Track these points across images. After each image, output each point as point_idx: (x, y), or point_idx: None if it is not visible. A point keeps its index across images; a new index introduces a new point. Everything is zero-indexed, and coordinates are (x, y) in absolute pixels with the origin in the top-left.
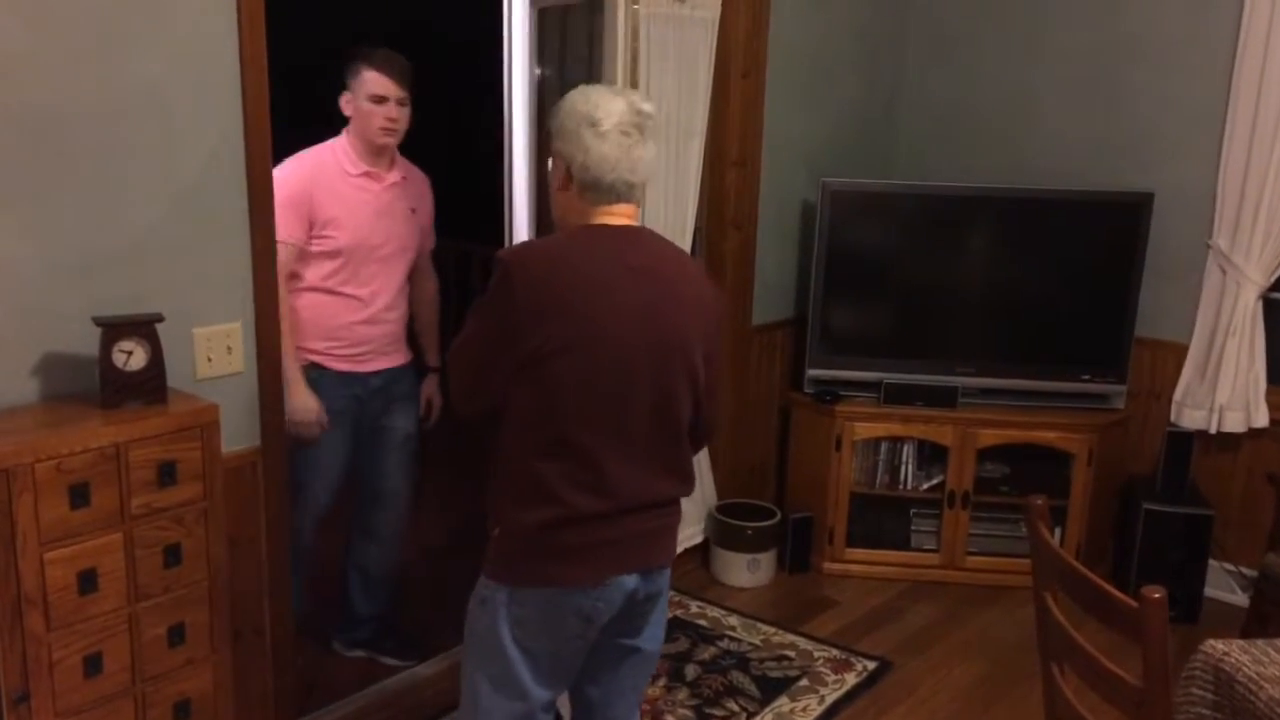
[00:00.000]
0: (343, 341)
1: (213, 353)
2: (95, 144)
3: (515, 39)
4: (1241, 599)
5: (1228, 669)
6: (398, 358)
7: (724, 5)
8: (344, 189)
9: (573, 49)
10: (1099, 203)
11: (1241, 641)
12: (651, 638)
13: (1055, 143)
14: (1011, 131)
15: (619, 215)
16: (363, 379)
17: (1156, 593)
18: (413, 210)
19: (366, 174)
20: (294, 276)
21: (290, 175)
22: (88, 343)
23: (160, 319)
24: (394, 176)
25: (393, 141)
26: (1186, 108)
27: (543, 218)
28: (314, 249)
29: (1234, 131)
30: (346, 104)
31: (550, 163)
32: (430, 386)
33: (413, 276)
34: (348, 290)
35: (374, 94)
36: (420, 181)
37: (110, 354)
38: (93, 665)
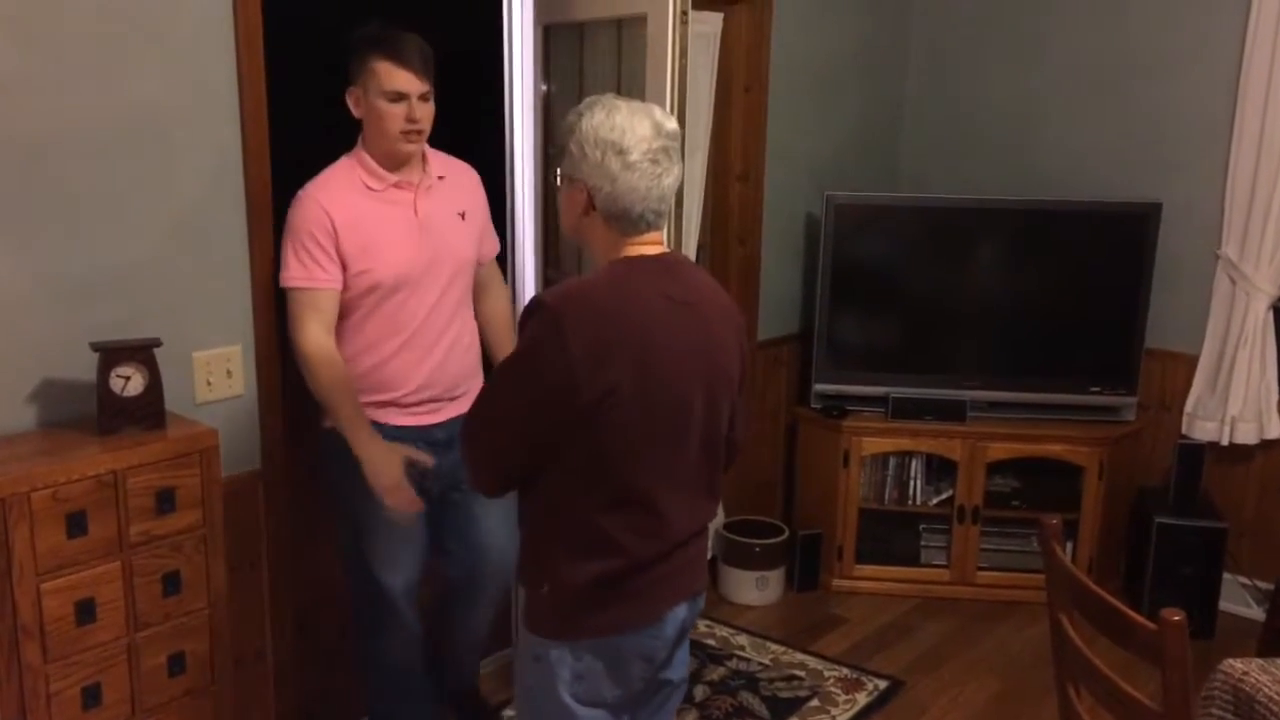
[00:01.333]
0: (399, 391)
1: (212, 376)
2: (91, 167)
3: (517, 54)
4: (1257, 613)
5: (1248, 689)
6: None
7: (725, 19)
8: (371, 209)
9: (590, 66)
10: (1106, 213)
11: (1261, 661)
12: (681, 664)
13: (1061, 153)
14: (1017, 142)
15: (651, 244)
16: (427, 434)
17: (1176, 615)
18: (462, 215)
19: (396, 185)
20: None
21: (306, 209)
22: (85, 368)
23: (158, 343)
24: (430, 179)
25: (417, 148)
26: (1193, 117)
27: (548, 232)
28: (349, 290)
29: (1241, 140)
30: (355, 103)
31: (562, 182)
32: None
33: (477, 291)
34: (397, 329)
35: (390, 90)
36: (465, 175)
37: (108, 380)
38: (91, 697)
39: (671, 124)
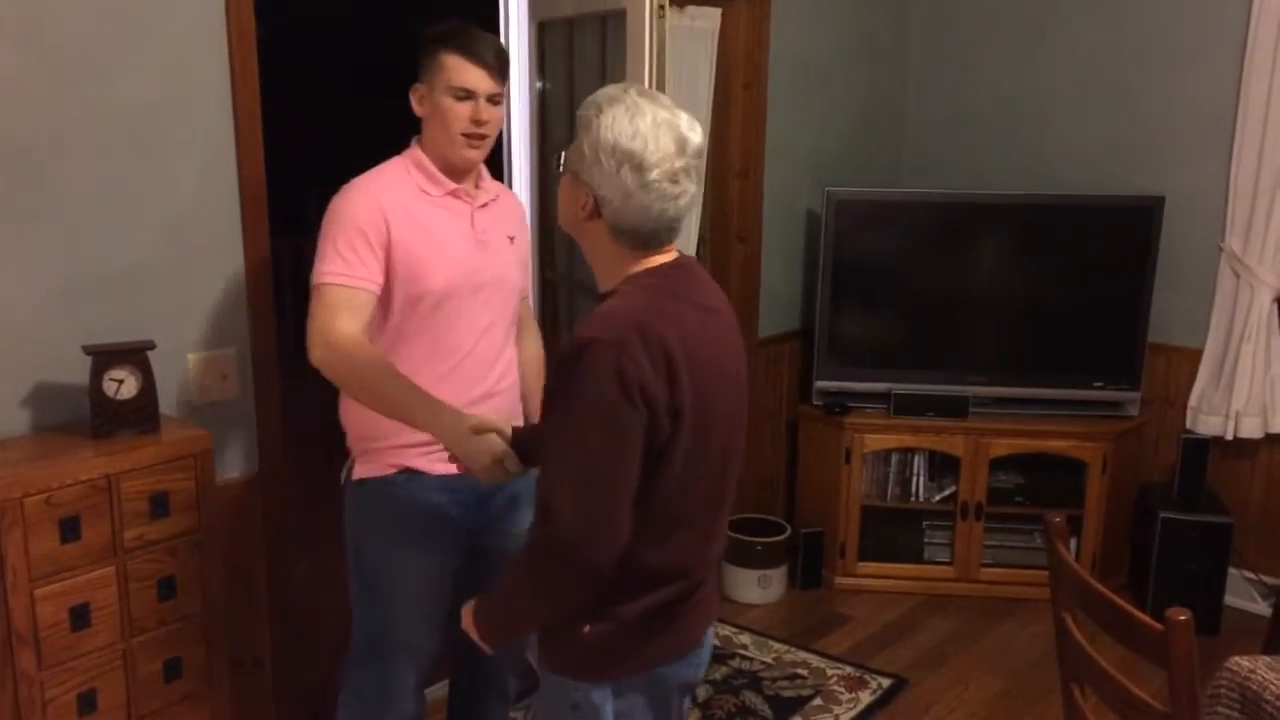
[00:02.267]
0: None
1: (207, 379)
2: (84, 169)
3: (513, 52)
4: (1263, 608)
5: (1254, 687)
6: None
7: (724, 15)
8: (426, 215)
9: (581, 61)
10: (1109, 207)
11: (1267, 658)
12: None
13: (1063, 148)
14: (1018, 137)
15: (665, 254)
16: (470, 483)
17: (1182, 614)
18: (511, 239)
19: (453, 193)
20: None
21: (358, 202)
22: (79, 372)
23: (152, 346)
24: (486, 196)
25: (479, 155)
26: (1196, 109)
27: (544, 227)
28: (395, 298)
29: (1244, 132)
30: (419, 101)
31: (564, 172)
32: None
33: None
34: (443, 353)
35: (457, 86)
36: (514, 204)
37: (101, 383)
38: (87, 703)
39: (697, 138)
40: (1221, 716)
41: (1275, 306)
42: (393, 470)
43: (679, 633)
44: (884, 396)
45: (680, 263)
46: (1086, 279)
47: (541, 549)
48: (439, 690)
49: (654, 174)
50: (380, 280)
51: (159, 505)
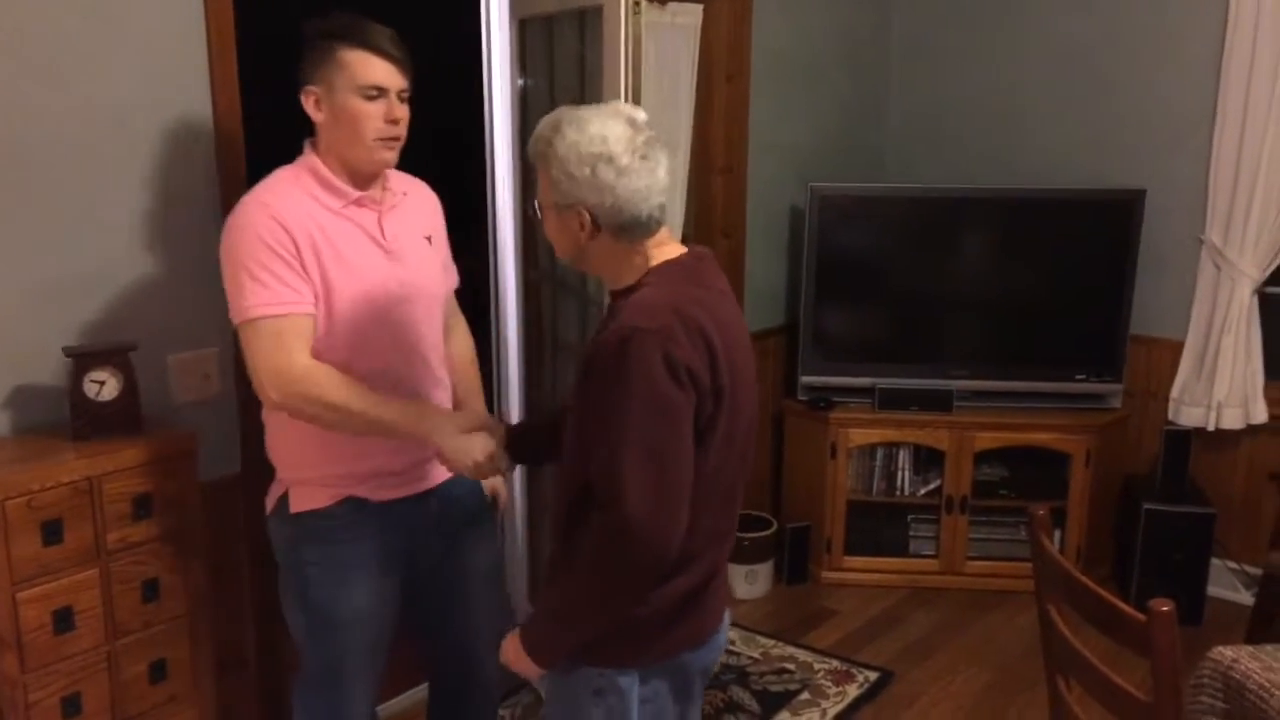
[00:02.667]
0: (376, 457)
1: (189, 379)
2: (62, 169)
3: (495, 50)
4: (1245, 598)
5: (1237, 676)
6: None
7: (705, 11)
8: (331, 231)
9: (560, 59)
10: (1090, 201)
11: (1250, 648)
12: None
13: (1044, 141)
14: (1000, 131)
15: (668, 240)
16: (419, 506)
17: (1164, 605)
18: (428, 238)
19: (356, 202)
20: None
21: (257, 222)
22: (58, 373)
23: (133, 347)
24: (394, 197)
25: (394, 156)
26: (1176, 102)
27: (527, 232)
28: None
29: (1224, 125)
30: (315, 105)
31: (545, 213)
32: (493, 481)
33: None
34: (370, 373)
35: (366, 84)
36: (425, 196)
37: (81, 385)
38: (71, 706)
39: (641, 114)
40: (1204, 706)
41: (1255, 298)
42: (335, 500)
43: (702, 617)
44: (869, 391)
45: (697, 252)
46: (1068, 272)
47: (612, 533)
48: (419, 693)
49: (625, 159)
50: (312, 298)
51: (142, 507)
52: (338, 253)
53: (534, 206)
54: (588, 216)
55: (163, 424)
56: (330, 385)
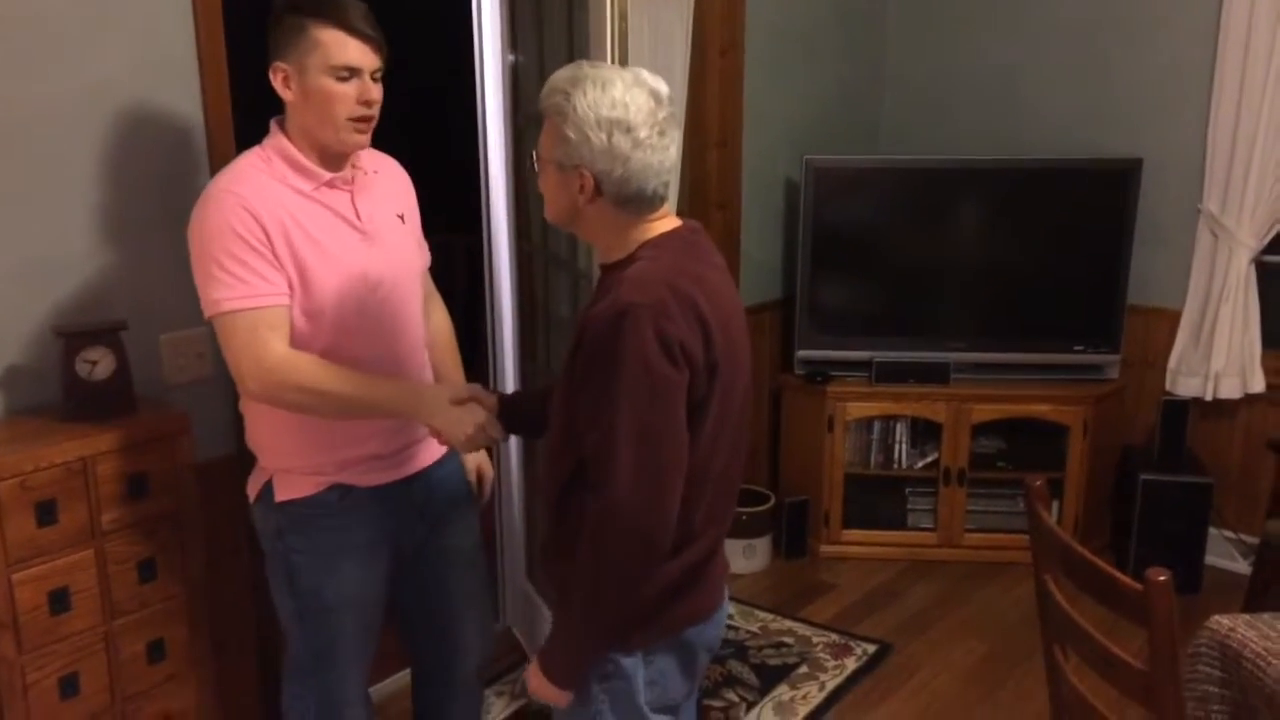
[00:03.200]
0: (368, 443)
1: (182, 358)
2: (50, 149)
3: (485, 22)
4: (1243, 566)
5: (1234, 645)
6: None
7: None
8: (304, 216)
9: (550, 34)
10: (1086, 170)
11: (1247, 616)
12: None
13: (1040, 111)
14: (996, 102)
15: (668, 216)
16: (405, 490)
17: (1161, 575)
18: (401, 217)
19: (329, 184)
20: None
21: (226, 210)
22: (49, 353)
23: (123, 326)
24: (365, 176)
25: (367, 139)
26: (1172, 70)
27: (520, 198)
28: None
29: (1221, 93)
30: (284, 83)
31: (544, 167)
32: (477, 454)
33: None
34: (351, 358)
35: (339, 65)
36: (395, 172)
37: (73, 364)
38: (69, 686)
39: (665, 87)
40: (1202, 675)
41: (1253, 267)
42: (321, 488)
43: (704, 593)
44: (865, 364)
45: (691, 226)
46: (1065, 242)
47: (604, 516)
48: (400, 679)
49: (644, 132)
50: (285, 288)
51: (135, 487)
52: (312, 238)
53: (533, 158)
54: (591, 180)
55: (156, 404)
56: (311, 371)
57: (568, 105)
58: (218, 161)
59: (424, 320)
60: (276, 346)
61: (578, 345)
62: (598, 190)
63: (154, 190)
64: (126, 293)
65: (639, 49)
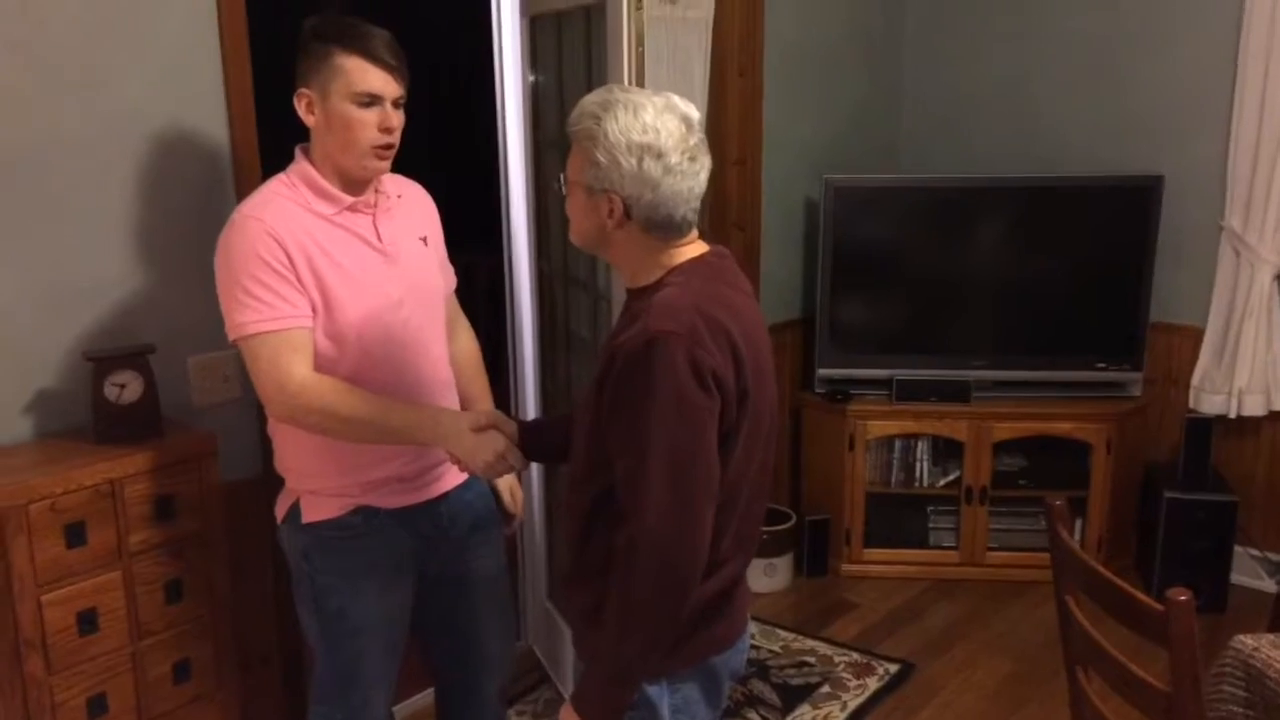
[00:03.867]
0: (390, 464)
1: (209, 381)
2: (79, 175)
3: (506, 48)
4: (1269, 585)
5: (1258, 665)
6: None
7: (718, 4)
8: (327, 240)
9: (569, 56)
10: (1108, 188)
11: (1271, 636)
12: None
13: (1060, 129)
14: (1015, 120)
15: (696, 241)
16: (429, 513)
17: (1182, 595)
18: (424, 240)
19: (352, 208)
20: None
21: (251, 236)
22: (78, 377)
23: (152, 350)
24: (388, 200)
25: (388, 165)
26: (1193, 87)
27: (540, 218)
28: (315, 336)
29: (1242, 109)
30: (307, 109)
31: (572, 190)
32: (509, 478)
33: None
34: (374, 379)
35: (361, 92)
36: (419, 196)
37: (103, 388)
38: (97, 706)
39: (695, 112)
40: (1226, 694)
41: (1276, 284)
42: (346, 510)
43: (730, 621)
44: (886, 383)
45: (718, 251)
46: (1087, 260)
47: (636, 546)
48: (425, 698)
49: (674, 157)
50: (309, 311)
51: (164, 508)
52: (335, 262)
53: (560, 180)
54: (620, 205)
55: (183, 426)
56: (333, 396)
57: (598, 129)
58: (244, 186)
59: (451, 343)
60: (298, 370)
61: (606, 373)
62: (627, 215)
63: (181, 215)
64: (155, 316)
65: (657, 70)
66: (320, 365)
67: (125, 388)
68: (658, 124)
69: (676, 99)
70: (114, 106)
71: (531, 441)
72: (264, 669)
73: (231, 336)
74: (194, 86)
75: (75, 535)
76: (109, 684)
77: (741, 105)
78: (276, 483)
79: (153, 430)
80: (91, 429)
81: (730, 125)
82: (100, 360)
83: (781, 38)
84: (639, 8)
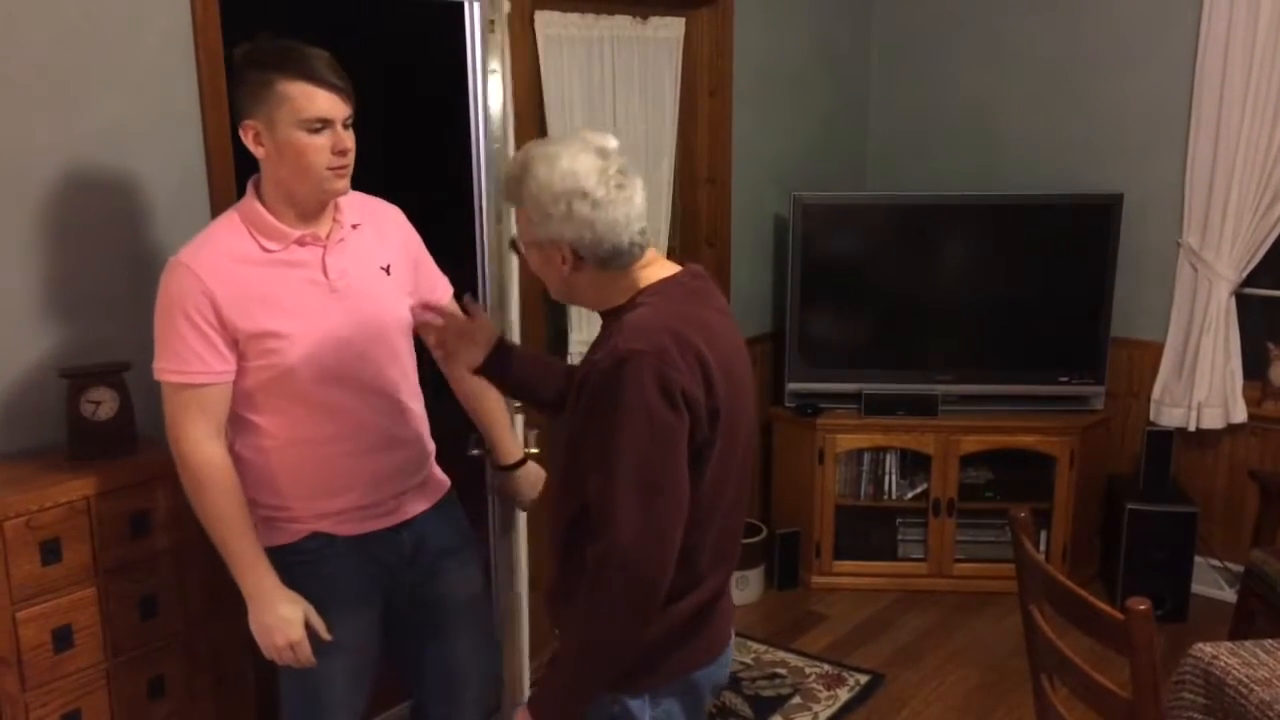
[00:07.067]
0: (348, 493)
1: None
2: (53, 190)
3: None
4: (1229, 594)
5: (1218, 672)
6: (433, 491)
7: (687, 24)
8: (267, 282)
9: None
10: (1069, 205)
11: (1230, 644)
12: None
13: (1023, 148)
14: (979, 139)
15: (655, 260)
16: (392, 539)
17: (1141, 604)
18: (385, 269)
19: (299, 242)
20: (235, 424)
21: (179, 283)
22: (52, 394)
23: (127, 367)
24: (342, 229)
25: (346, 184)
26: (1151, 106)
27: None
28: (250, 379)
29: (1199, 128)
30: (255, 140)
31: (527, 250)
32: (535, 474)
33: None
34: (327, 419)
35: (310, 118)
36: (384, 218)
37: (78, 405)
38: None
39: (610, 141)
40: (1186, 701)
41: (1233, 299)
42: (299, 536)
43: (712, 635)
44: (855, 397)
45: (693, 271)
46: (1049, 276)
47: (604, 563)
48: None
49: (600, 191)
50: (224, 366)
51: (138, 525)
52: (275, 303)
53: (512, 243)
54: (569, 250)
55: (158, 443)
56: (208, 488)
57: (523, 190)
58: (218, 204)
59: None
60: (194, 431)
61: (579, 392)
62: (578, 258)
63: (156, 233)
64: (130, 334)
65: (629, 92)
66: (277, 391)
67: (100, 405)
68: (574, 167)
69: (591, 135)
70: (89, 126)
71: (501, 361)
72: (239, 685)
73: (154, 374)
74: (169, 105)
75: (50, 552)
76: (84, 700)
77: (711, 124)
78: None
79: (128, 447)
80: (66, 446)
81: (700, 143)
82: (75, 377)
83: (750, 59)
84: (491, 30)
